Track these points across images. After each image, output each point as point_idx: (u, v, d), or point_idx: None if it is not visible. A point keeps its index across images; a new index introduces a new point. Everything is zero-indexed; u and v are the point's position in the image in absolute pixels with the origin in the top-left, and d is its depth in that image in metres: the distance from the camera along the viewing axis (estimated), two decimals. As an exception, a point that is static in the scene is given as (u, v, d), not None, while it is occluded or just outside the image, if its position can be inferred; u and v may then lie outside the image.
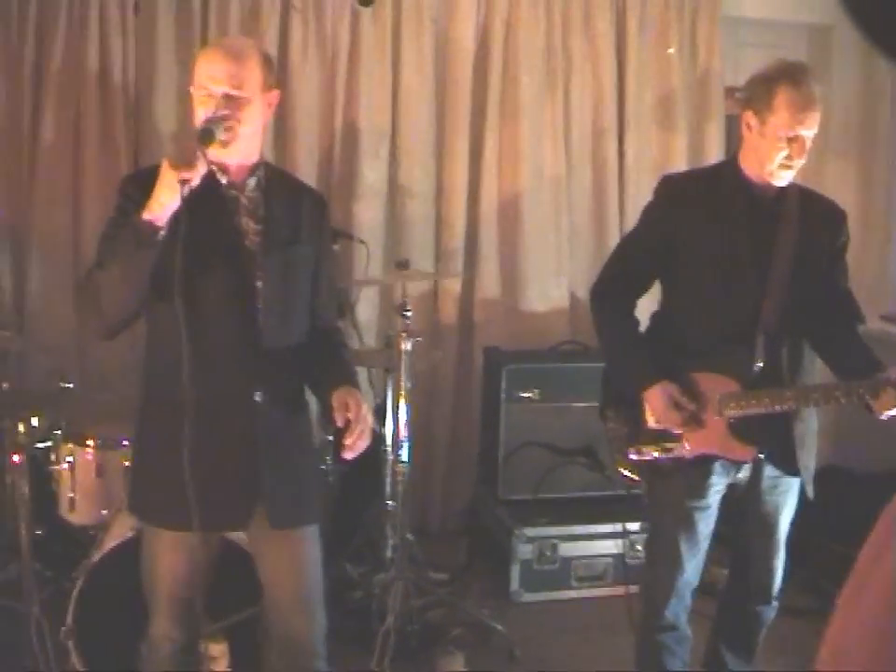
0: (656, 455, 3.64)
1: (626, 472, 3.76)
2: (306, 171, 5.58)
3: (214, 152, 2.88)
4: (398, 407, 4.74)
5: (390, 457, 5.02)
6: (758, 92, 3.46)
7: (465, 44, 5.98)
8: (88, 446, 4.42)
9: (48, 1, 5.35)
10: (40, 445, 4.50)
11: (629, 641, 3.97)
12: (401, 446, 4.72)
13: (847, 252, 3.68)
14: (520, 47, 5.99)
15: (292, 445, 3.23)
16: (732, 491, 3.71)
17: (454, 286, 6.11)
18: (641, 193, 5.78)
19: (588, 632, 4.96)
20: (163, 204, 2.79)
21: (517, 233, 6.13)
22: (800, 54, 6.32)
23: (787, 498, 3.72)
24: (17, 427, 4.35)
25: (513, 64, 6.01)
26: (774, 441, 3.58)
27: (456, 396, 6.20)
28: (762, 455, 3.59)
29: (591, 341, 4.56)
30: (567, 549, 5.34)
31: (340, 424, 3.03)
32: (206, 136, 2.84)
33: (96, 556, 4.00)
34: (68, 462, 4.42)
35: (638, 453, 3.67)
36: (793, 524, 3.79)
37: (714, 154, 6.23)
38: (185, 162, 2.76)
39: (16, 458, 4.34)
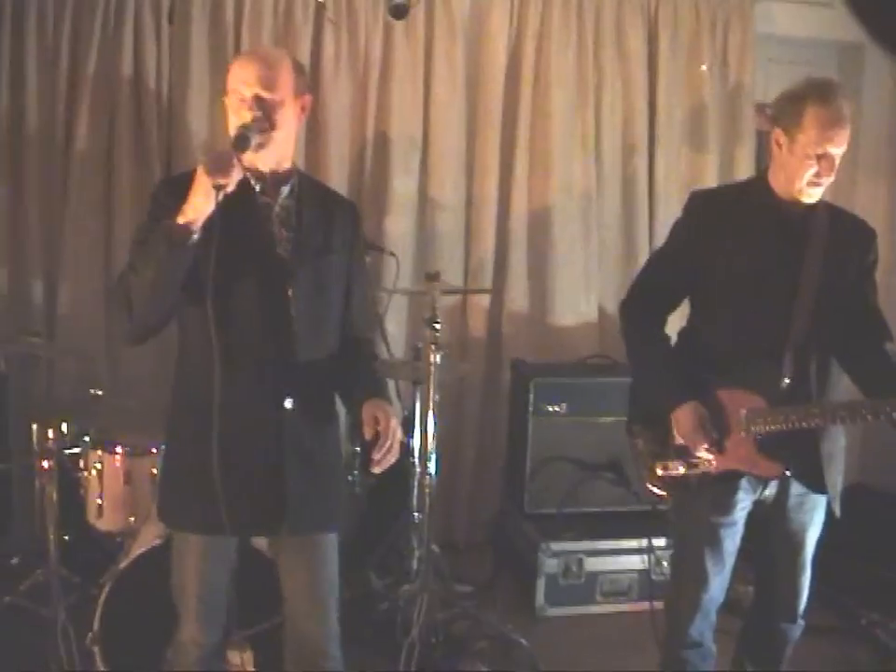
0: (683, 470, 3.63)
1: (653, 488, 3.74)
2: (337, 182, 5.59)
3: (249, 156, 2.91)
4: (426, 419, 4.74)
5: (417, 469, 5.01)
6: (787, 110, 3.46)
7: (496, 58, 6.00)
8: (116, 453, 4.44)
9: (83, 9, 5.40)
10: (69, 452, 4.53)
11: (654, 657, 3.95)
12: (429, 458, 4.72)
13: (875, 270, 3.67)
14: (551, 61, 6.00)
15: (319, 454, 3.23)
16: (758, 508, 3.69)
17: (482, 298, 6.11)
18: (671, 209, 5.80)
19: (612, 647, 4.95)
20: (198, 209, 2.81)
21: (546, 247, 6.14)
22: (831, 72, 6.31)
23: (813, 516, 3.70)
24: (46, 433, 4.39)
25: (544, 79, 6.03)
26: (801, 459, 3.56)
27: (483, 409, 6.20)
28: (788, 473, 3.58)
29: (619, 355, 4.56)
30: (592, 564, 5.33)
31: (368, 437, 3.04)
32: (241, 142, 2.88)
33: (123, 563, 4.02)
34: (96, 469, 4.45)
35: (665, 468, 3.66)
36: (819, 542, 3.77)
37: (744, 170, 6.21)
38: (220, 168, 2.78)
39: (45, 464, 4.38)
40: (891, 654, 4.80)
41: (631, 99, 6.19)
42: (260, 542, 3.57)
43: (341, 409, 3.36)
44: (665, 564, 5.12)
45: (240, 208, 2.97)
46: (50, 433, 4.40)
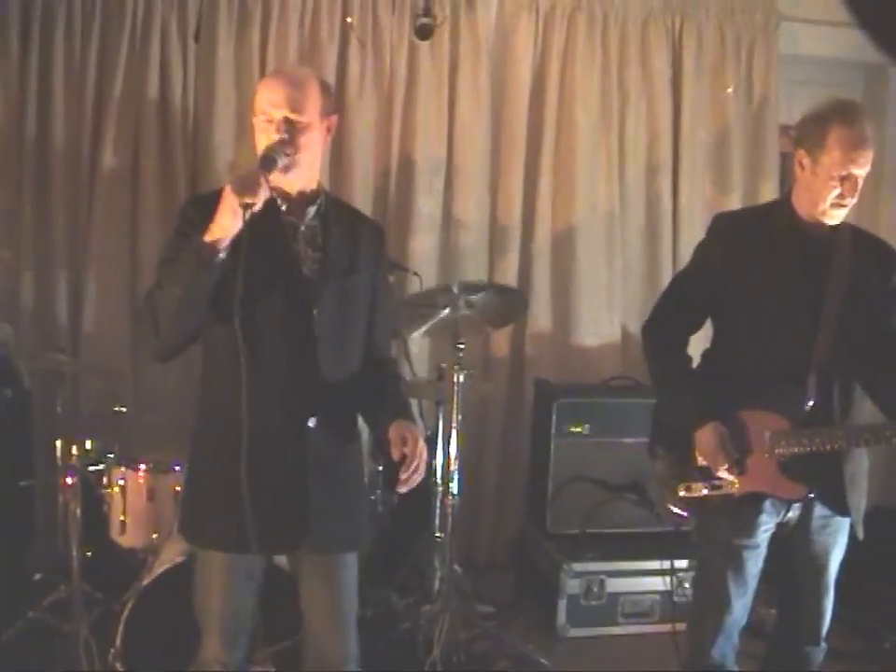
0: (705, 492, 3.62)
1: (675, 509, 3.74)
2: (362, 202, 5.60)
3: (275, 177, 2.93)
4: (449, 439, 4.75)
5: (440, 489, 5.01)
6: (810, 131, 3.46)
7: (521, 78, 6.01)
8: (140, 470, 4.46)
9: (110, 28, 5.45)
10: (93, 468, 4.54)
11: (675, 679, 3.95)
12: (452, 479, 4.72)
13: (899, 293, 3.66)
14: (576, 83, 6.02)
15: (342, 473, 3.24)
16: (781, 530, 3.68)
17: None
18: (694, 230, 5.80)
19: (634, 669, 4.91)
20: (225, 228, 2.83)
21: (570, 268, 6.14)
22: (855, 93, 6.31)
23: (837, 539, 3.69)
24: (70, 450, 4.41)
25: (569, 100, 6.04)
26: (824, 481, 3.55)
27: (506, 429, 6.20)
28: (812, 495, 3.57)
29: (642, 376, 4.56)
30: (614, 585, 5.31)
31: (396, 458, 3.04)
32: (268, 162, 2.90)
33: (146, 580, 4.03)
34: (120, 485, 4.47)
35: (688, 490, 3.65)
36: (842, 564, 3.75)
37: (768, 192, 6.21)
38: (248, 188, 2.81)
39: (69, 480, 4.40)
40: (915, 678, 4.80)
41: (655, 119, 6.20)
42: (281, 559, 3.57)
43: (363, 428, 3.37)
44: (686, 585, 5.11)
45: (266, 228, 2.99)
46: (74, 450, 4.43)
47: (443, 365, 5.06)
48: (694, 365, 3.78)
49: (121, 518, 4.47)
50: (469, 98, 5.93)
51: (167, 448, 4.44)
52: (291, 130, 3.00)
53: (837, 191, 3.41)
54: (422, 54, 5.83)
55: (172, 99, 5.53)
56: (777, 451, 3.51)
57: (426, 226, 5.95)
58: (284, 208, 3.14)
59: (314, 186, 3.20)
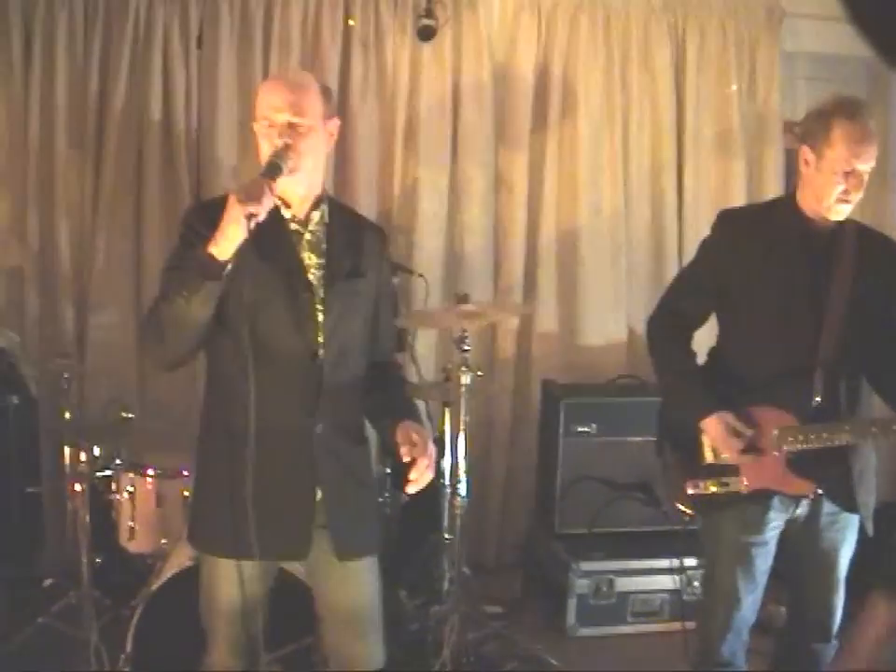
0: (714, 489, 3.62)
1: (683, 507, 3.74)
2: (366, 205, 5.61)
3: (280, 183, 2.91)
4: (456, 440, 4.74)
5: (448, 491, 5.00)
6: (814, 127, 3.46)
7: (524, 79, 6.01)
8: (148, 476, 4.47)
9: (112, 34, 5.45)
10: (101, 474, 4.55)
11: (685, 678, 3.95)
12: (459, 480, 4.72)
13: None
14: (579, 81, 6.02)
15: (352, 477, 3.23)
16: (790, 527, 3.68)
17: (511, 319, 6.12)
18: (699, 228, 5.78)
19: (643, 667, 4.92)
20: (230, 239, 2.81)
21: (575, 267, 6.14)
22: (858, 89, 6.28)
23: (846, 535, 3.68)
24: (78, 456, 4.42)
25: (572, 99, 6.04)
26: (832, 477, 3.55)
27: (513, 429, 6.20)
28: (820, 491, 3.57)
29: (648, 375, 4.55)
30: (623, 584, 5.31)
31: (406, 459, 3.02)
32: (273, 170, 2.88)
33: (155, 585, 4.03)
34: (128, 491, 4.47)
35: (696, 487, 3.65)
36: (852, 561, 3.75)
37: (773, 189, 6.20)
38: (252, 197, 2.78)
39: (77, 487, 4.41)
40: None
41: (658, 118, 6.19)
42: (292, 565, 3.56)
43: (371, 432, 3.37)
44: (696, 584, 5.10)
45: (270, 236, 2.97)
46: (82, 456, 4.43)
47: (449, 366, 5.06)
48: (701, 362, 3.78)
49: (130, 524, 4.47)
50: (472, 99, 5.92)
51: (175, 454, 4.43)
52: (294, 134, 2.99)
53: (842, 187, 3.40)
54: (424, 55, 5.83)
55: (175, 105, 5.53)
56: (785, 447, 3.50)
57: (430, 228, 5.94)
58: (287, 215, 3.12)
59: (318, 191, 3.19)
